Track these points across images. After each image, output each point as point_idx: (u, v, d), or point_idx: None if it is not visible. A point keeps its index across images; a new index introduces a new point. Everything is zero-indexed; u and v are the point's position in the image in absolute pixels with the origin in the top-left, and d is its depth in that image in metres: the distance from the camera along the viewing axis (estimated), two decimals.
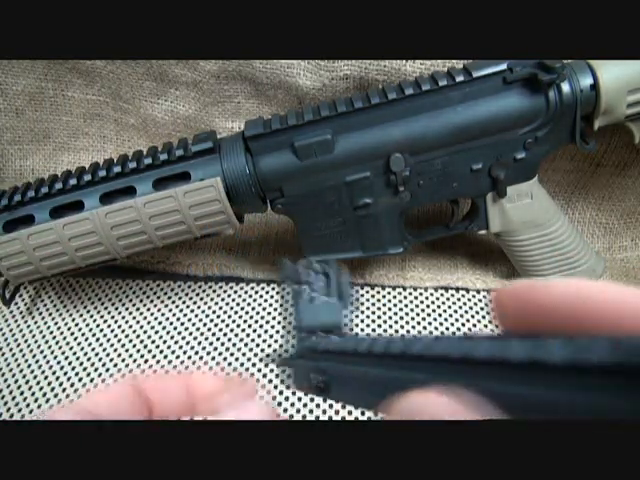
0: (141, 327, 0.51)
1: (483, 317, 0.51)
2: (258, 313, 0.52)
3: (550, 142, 0.43)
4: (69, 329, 0.52)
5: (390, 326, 0.50)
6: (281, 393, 0.44)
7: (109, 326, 0.52)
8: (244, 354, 0.48)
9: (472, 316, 0.51)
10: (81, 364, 0.49)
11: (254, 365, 0.47)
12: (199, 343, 0.49)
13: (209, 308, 0.53)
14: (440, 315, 0.51)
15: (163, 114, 0.51)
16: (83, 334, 0.51)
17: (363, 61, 0.45)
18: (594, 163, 0.52)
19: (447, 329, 0.50)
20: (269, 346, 0.49)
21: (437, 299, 0.53)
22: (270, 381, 0.45)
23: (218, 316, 0.52)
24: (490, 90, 0.40)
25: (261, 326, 0.50)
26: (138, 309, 0.53)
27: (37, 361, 0.49)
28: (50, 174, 0.44)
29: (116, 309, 0.53)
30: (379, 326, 0.50)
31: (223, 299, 0.54)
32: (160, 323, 0.51)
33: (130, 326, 0.51)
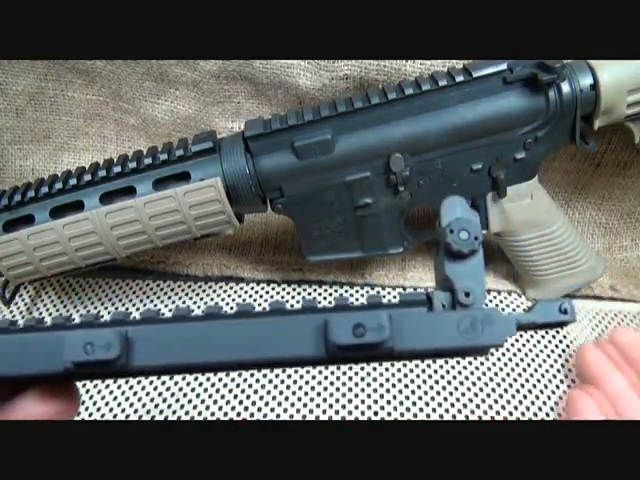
0: None
1: None
2: None
3: (550, 142, 0.43)
4: None
5: None
6: (281, 393, 0.44)
7: None
8: None
9: None
10: None
11: None
12: None
13: None
14: None
15: (163, 114, 0.51)
16: None
17: (363, 61, 0.45)
18: (594, 163, 0.52)
19: None
20: None
21: None
22: (270, 381, 0.45)
23: None
24: (490, 90, 0.40)
25: None
26: (138, 309, 0.53)
27: None
28: (50, 174, 0.44)
29: (116, 309, 0.53)
30: None
31: (223, 299, 0.54)
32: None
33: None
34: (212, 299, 0.54)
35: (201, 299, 0.54)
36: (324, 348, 0.20)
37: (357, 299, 0.53)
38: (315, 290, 0.54)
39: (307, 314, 0.22)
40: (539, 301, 0.21)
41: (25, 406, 0.22)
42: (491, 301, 0.53)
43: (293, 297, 0.54)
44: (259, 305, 0.53)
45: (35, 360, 0.21)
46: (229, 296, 0.54)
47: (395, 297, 0.53)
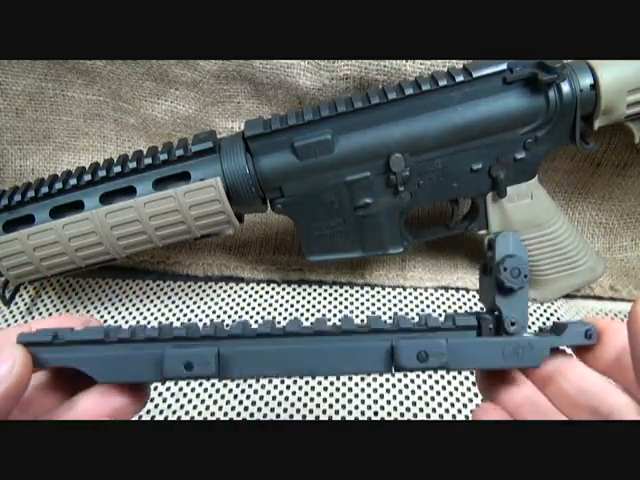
0: None
1: None
2: (258, 313, 0.52)
3: (550, 142, 0.43)
4: None
5: None
6: (281, 393, 0.44)
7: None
8: None
9: None
10: None
11: None
12: None
13: (209, 308, 0.53)
14: (440, 315, 0.51)
15: (163, 114, 0.51)
16: None
17: (363, 61, 0.45)
18: (594, 163, 0.52)
19: None
20: None
21: (437, 299, 0.53)
22: (270, 381, 0.45)
23: (218, 316, 0.52)
24: (490, 90, 0.40)
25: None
26: (138, 309, 0.53)
27: None
28: (50, 174, 0.44)
29: (116, 309, 0.53)
30: None
31: (223, 299, 0.54)
32: (160, 323, 0.51)
33: (130, 326, 0.51)
34: (212, 299, 0.54)
35: (201, 299, 0.54)
36: (392, 368, 0.25)
37: (357, 299, 0.53)
38: (315, 290, 0.54)
39: (375, 336, 0.25)
40: (568, 325, 0.25)
41: (87, 402, 0.24)
42: None
43: (293, 297, 0.54)
44: (259, 305, 0.53)
45: (136, 371, 0.25)
46: (229, 296, 0.54)
47: (394, 297, 0.53)
